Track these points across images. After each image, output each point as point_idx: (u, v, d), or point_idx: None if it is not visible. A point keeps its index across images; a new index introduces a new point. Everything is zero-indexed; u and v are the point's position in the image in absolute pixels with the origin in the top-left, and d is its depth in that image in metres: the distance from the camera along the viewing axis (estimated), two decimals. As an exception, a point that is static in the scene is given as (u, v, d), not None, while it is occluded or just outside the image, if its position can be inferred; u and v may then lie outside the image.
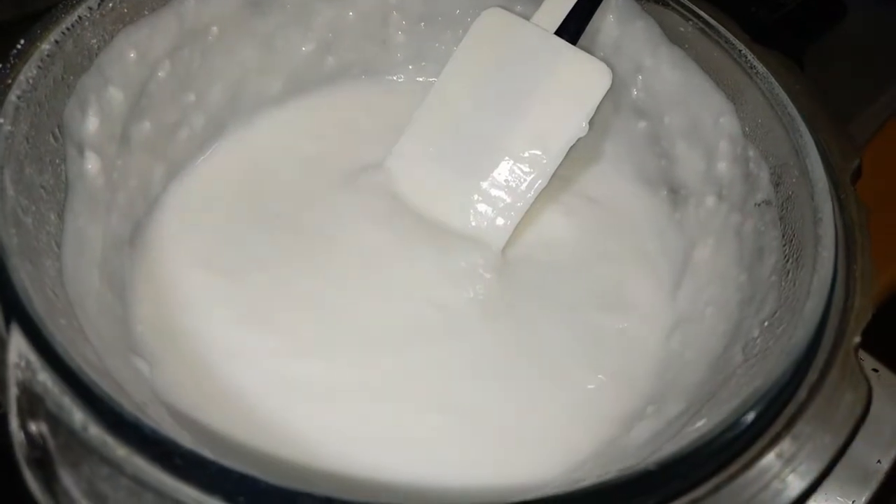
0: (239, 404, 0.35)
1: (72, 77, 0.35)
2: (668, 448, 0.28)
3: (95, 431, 0.24)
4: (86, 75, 0.36)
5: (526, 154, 0.42)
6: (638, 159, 0.48)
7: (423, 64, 0.52)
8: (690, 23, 0.42)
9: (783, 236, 0.36)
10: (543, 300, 0.41)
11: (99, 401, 0.24)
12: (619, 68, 0.45)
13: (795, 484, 0.27)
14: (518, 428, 0.37)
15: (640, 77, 0.46)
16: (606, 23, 0.46)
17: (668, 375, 0.38)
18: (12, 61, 0.33)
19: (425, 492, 0.33)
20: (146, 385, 0.34)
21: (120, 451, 0.24)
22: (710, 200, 0.43)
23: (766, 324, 0.33)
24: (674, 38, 0.44)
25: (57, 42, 0.34)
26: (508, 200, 0.43)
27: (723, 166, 0.42)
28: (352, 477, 0.33)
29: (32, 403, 0.24)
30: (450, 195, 0.43)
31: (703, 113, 0.43)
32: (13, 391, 0.25)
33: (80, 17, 0.36)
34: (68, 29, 0.35)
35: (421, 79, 0.52)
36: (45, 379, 0.25)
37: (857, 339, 0.31)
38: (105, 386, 0.25)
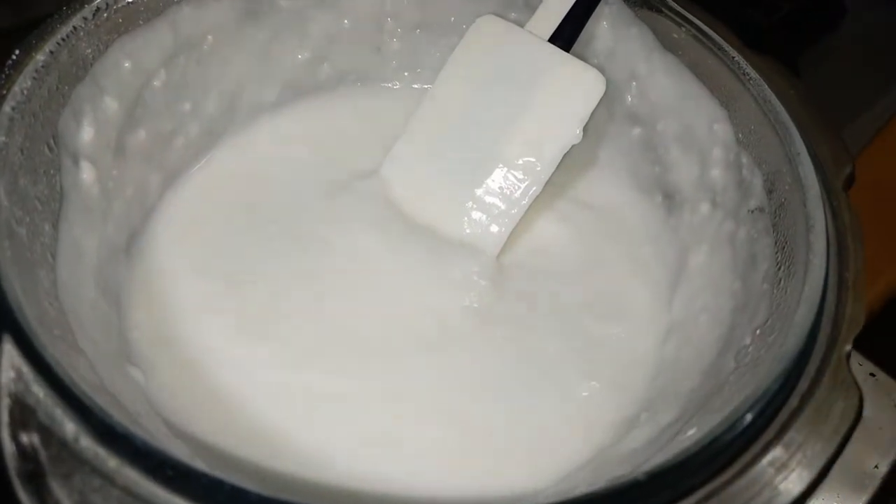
0: (233, 413, 0.35)
1: (67, 87, 0.35)
2: (659, 457, 0.28)
3: (87, 443, 0.24)
4: (81, 85, 0.36)
5: (520, 161, 0.43)
6: (632, 166, 0.48)
7: (419, 71, 0.52)
8: (684, 29, 0.43)
9: (776, 244, 0.36)
10: (538, 307, 0.42)
11: (90, 412, 0.25)
12: (613, 75, 0.45)
13: (787, 492, 0.27)
14: (511, 435, 0.37)
15: (634, 84, 0.46)
16: (600, 29, 0.46)
17: (661, 382, 0.38)
18: (7, 72, 0.33)
19: (418, 501, 0.33)
20: (140, 395, 0.35)
21: (111, 462, 0.24)
22: (705, 207, 0.43)
23: (758, 332, 0.33)
24: (667, 45, 0.44)
25: (52, 52, 0.34)
26: (503, 207, 0.43)
27: (716, 173, 0.42)
28: (346, 487, 0.33)
29: (24, 414, 0.25)
30: (445, 202, 0.44)
31: (696, 119, 0.43)
32: (5, 402, 0.25)
33: (75, 28, 0.36)
34: (63, 39, 0.35)
35: (416, 86, 0.52)
36: (37, 390, 0.25)
37: (849, 348, 0.31)
38: (98, 397, 0.25)
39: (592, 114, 0.42)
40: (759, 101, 0.39)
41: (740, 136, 0.40)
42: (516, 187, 0.43)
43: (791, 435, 0.28)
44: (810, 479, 0.28)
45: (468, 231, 0.43)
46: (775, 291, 0.34)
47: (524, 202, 0.42)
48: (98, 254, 0.37)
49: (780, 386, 0.28)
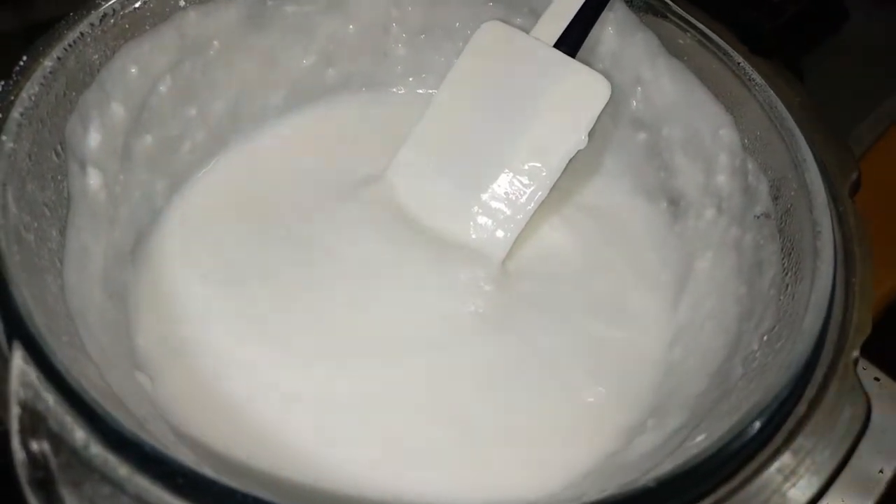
0: (240, 417, 0.35)
1: (74, 93, 0.35)
2: (668, 464, 0.28)
3: (97, 450, 0.24)
4: (88, 91, 0.36)
5: (526, 166, 0.43)
6: (637, 171, 0.48)
7: (424, 76, 0.52)
8: (689, 34, 0.43)
9: (782, 249, 0.36)
10: (544, 312, 0.41)
11: (100, 420, 0.25)
12: (618, 80, 0.45)
13: (796, 499, 0.27)
14: (518, 441, 0.37)
15: (639, 89, 0.46)
16: (606, 35, 0.46)
17: (668, 388, 0.38)
18: (15, 78, 0.34)
19: (425, 506, 0.34)
20: (147, 400, 0.35)
21: (121, 470, 0.24)
22: (710, 212, 0.43)
23: (765, 338, 0.33)
24: (672, 51, 0.44)
25: (59, 58, 0.35)
26: (508, 213, 0.43)
27: (722, 178, 0.42)
28: (351, 491, 0.33)
29: (34, 422, 0.25)
30: (450, 207, 0.44)
31: (702, 125, 0.43)
32: (15, 410, 0.25)
33: (81, 34, 0.36)
34: (70, 45, 0.35)
35: (421, 91, 0.52)
36: (46, 397, 0.25)
37: (856, 354, 0.31)
38: (106, 404, 0.25)
39: (598, 119, 0.42)
40: (765, 106, 0.39)
41: (746, 141, 0.40)
42: (522, 192, 0.43)
43: (799, 441, 0.28)
44: (819, 486, 0.28)
45: (474, 236, 0.43)
46: (782, 297, 0.34)
47: (530, 207, 0.42)
48: (104, 259, 0.37)
49: (788, 393, 0.28)
